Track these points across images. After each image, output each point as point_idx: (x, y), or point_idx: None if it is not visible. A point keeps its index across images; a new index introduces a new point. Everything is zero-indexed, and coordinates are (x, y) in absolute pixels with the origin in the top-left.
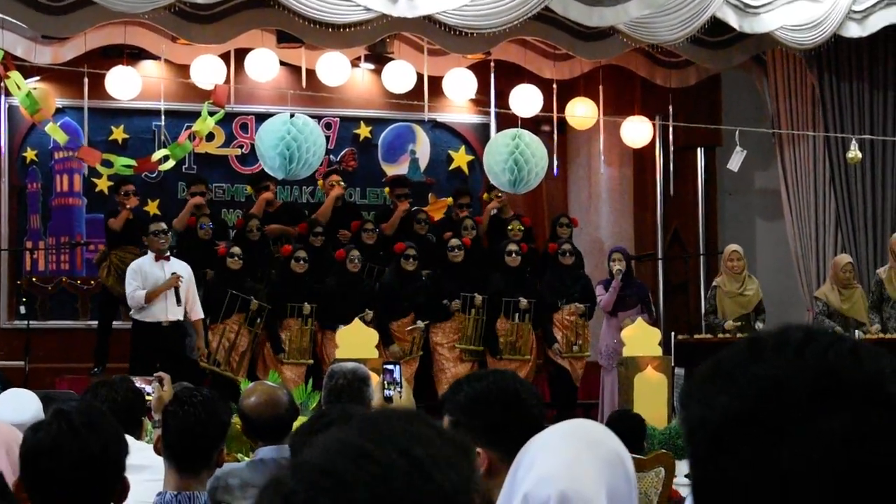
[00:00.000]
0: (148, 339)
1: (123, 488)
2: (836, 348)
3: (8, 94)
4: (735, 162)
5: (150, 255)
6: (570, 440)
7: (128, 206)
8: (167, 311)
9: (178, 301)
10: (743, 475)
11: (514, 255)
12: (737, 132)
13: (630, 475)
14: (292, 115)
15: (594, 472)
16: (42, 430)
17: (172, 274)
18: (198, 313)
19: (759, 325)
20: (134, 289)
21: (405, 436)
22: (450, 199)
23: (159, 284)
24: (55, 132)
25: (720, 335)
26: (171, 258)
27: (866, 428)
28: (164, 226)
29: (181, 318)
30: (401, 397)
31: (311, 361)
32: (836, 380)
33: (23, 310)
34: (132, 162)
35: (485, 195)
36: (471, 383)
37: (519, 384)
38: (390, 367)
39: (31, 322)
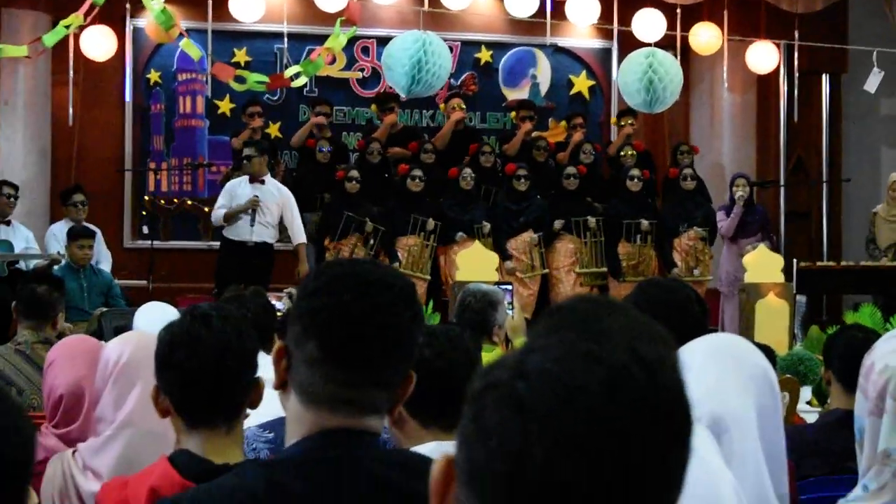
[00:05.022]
0: (232, 257)
1: (258, 390)
2: None
3: (133, 15)
4: (872, 83)
5: (245, 177)
6: (714, 358)
7: (250, 126)
8: (251, 232)
9: (252, 222)
10: None
11: (636, 179)
12: (874, 53)
13: (775, 388)
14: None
15: (742, 389)
16: (175, 325)
17: (255, 196)
18: (299, 237)
19: None
20: (219, 206)
21: (628, 334)
22: (564, 123)
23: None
24: (189, 48)
25: (845, 263)
26: (268, 181)
27: None
28: (253, 150)
29: (270, 241)
30: (513, 318)
31: (429, 277)
32: None
33: (146, 230)
34: (265, 78)
35: (613, 120)
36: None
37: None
38: (504, 287)
39: (154, 242)
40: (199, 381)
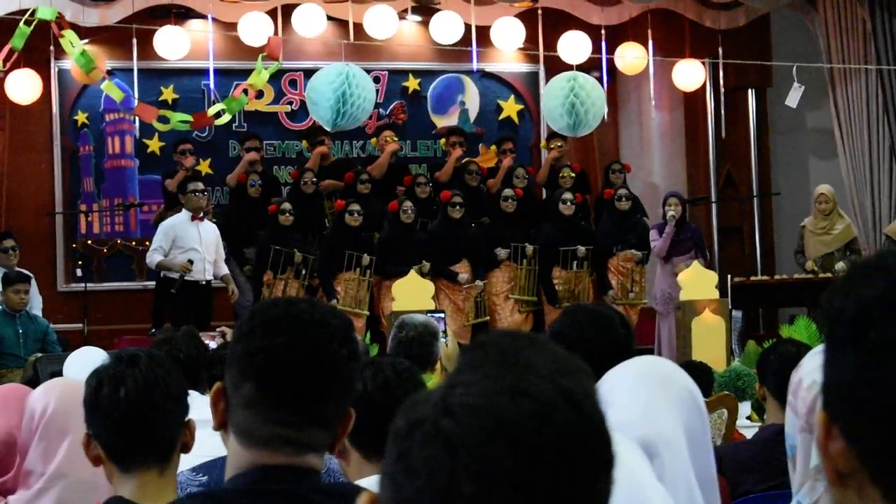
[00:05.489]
0: (175, 295)
1: (190, 431)
2: None
3: (58, 58)
4: (793, 98)
5: (186, 214)
6: (642, 381)
7: (185, 166)
8: (204, 272)
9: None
10: (872, 365)
11: (568, 203)
12: (794, 68)
13: (702, 409)
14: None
15: (670, 413)
16: (101, 368)
17: (189, 261)
18: (223, 269)
19: (840, 265)
20: (155, 249)
21: (550, 367)
22: (494, 148)
23: (191, 243)
24: (111, 89)
25: (779, 277)
26: (204, 219)
27: None
28: (201, 185)
29: (210, 278)
30: (447, 346)
31: (367, 313)
32: None
33: (79, 272)
34: (188, 117)
35: (542, 143)
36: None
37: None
38: (437, 316)
39: (87, 284)
40: (126, 420)
